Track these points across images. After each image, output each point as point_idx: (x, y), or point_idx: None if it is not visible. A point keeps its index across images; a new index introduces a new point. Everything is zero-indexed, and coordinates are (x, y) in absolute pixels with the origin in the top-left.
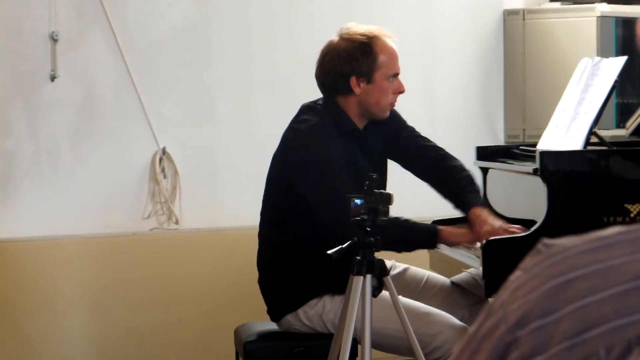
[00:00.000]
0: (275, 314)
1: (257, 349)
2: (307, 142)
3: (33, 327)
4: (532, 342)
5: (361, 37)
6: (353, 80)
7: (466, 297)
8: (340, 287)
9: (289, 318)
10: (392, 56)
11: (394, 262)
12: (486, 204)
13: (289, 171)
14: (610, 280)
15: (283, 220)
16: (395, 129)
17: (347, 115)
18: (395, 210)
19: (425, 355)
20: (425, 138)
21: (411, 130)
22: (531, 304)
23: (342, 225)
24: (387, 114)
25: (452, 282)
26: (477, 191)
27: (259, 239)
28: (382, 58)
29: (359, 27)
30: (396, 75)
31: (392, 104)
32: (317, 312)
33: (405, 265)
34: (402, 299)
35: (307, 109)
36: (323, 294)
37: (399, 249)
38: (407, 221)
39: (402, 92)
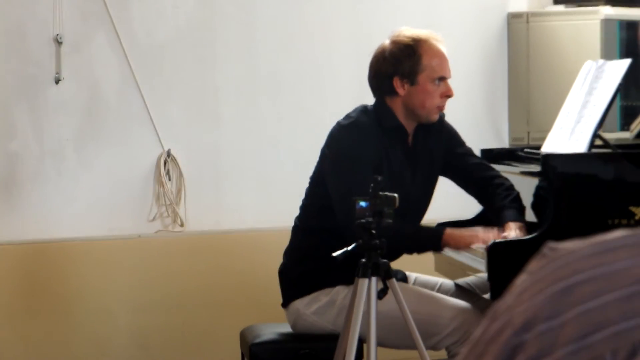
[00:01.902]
0: (286, 298)
1: (263, 351)
2: (342, 138)
3: (36, 329)
4: (537, 346)
5: (407, 39)
6: (396, 81)
7: (477, 303)
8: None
9: (298, 305)
10: (438, 59)
11: (410, 273)
12: (523, 222)
13: (323, 162)
14: (615, 283)
15: (316, 207)
16: (452, 146)
17: (393, 113)
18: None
19: (442, 339)
20: (478, 157)
21: (467, 149)
22: (537, 307)
23: (350, 225)
24: (435, 117)
25: (462, 287)
26: (518, 208)
27: (293, 226)
28: (426, 60)
29: (409, 30)
30: (443, 78)
31: (440, 107)
32: (332, 299)
33: (416, 274)
34: (415, 287)
35: (359, 107)
36: (337, 284)
37: (407, 252)
38: (412, 226)
39: (450, 95)
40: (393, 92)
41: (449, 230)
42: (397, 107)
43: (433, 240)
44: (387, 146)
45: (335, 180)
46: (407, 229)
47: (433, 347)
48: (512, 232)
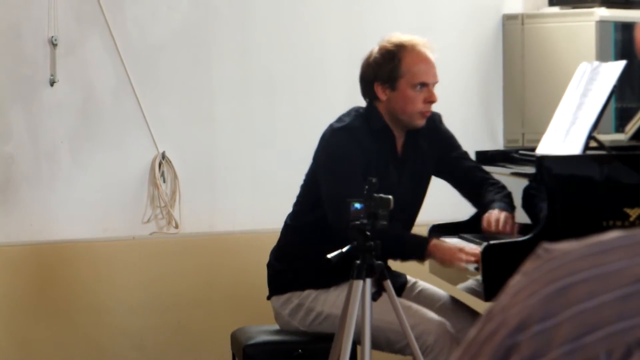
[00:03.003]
0: (269, 292)
1: (256, 352)
2: (333, 140)
3: (31, 330)
4: (532, 346)
5: (390, 45)
6: (377, 87)
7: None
8: (323, 283)
9: (275, 303)
10: (420, 65)
11: (416, 280)
12: (509, 211)
13: (315, 163)
14: (610, 284)
15: (306, 207)
16: (447, 149)
17: (381, 115)
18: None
19: (403, 347)
20: (473, 160)
21: (463, 153)
22: (531, 308)
23: (339, 224)
24: (419, 122)
25: (458, 302)
26: (507, 202)
27: (283, 224)
28: (405, 66)
29: (396, 36)
30: (425, 84)
31: (424, 113)
32: (301, 302)
33: (422, 284)
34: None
35: (351, 110)
36: (305, 288)
37: (389, 255)
38: (399, 229)
39: (432, 101)
40: (376, 97)
41: (435, 242)
42: (383, 111)
43: (417, 247)
44: (375, 148)
45: (326, 183)
46: (393, 230)
47: (400, 351)
48: (496, 215)
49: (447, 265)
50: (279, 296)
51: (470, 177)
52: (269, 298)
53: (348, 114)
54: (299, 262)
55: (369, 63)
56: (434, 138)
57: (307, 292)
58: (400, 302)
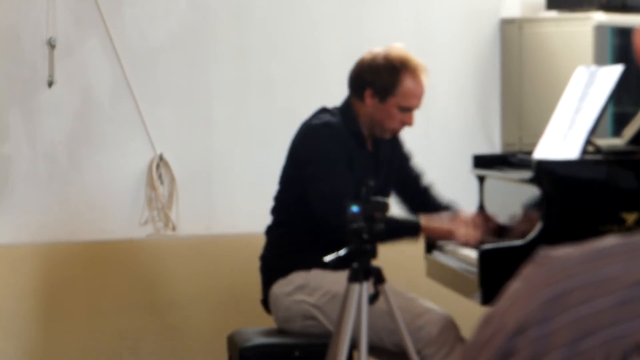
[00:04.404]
0: (265, 288)
1: (253, 355)
2: (314, 137)
3: (28, 331)
4: (529, 350)
5: (396, 59)
6: (368, 92)
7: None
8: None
9: (275, 290)
10: (414, 92)
11: None
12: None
13: (296, 162)
14: (607, 289)
15: (292, 198)
16: (404, 157)
17: (356, 119)
18: None
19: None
20: (417, 168)
21: (413, 162)
22: (529, 312)
23: (336, 222)
24: (388, 136)
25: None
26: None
27: (269, 224)
28: (402, 87)
29: (403, 52)
30: (410, 109)
31: (396, 131)
32: (306, 281)
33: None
34: (398, 290)
35: (323, 110)
36: (312, 267)
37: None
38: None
39: (409, 125)
40: (362, 99)
41: (426, 219)
42: (361, 113)
43: (411, 224)
44: (353, 147)
45: (315, 181)
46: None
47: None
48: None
49: (442, 237)
50: (281, 280)
51: (419, 185)
52: (266, 288)
53: (320, 112)
54: (302, 243)
55: (370, 66)
56: (395, 145)
57: (313, 272)
58: (405, 294)
